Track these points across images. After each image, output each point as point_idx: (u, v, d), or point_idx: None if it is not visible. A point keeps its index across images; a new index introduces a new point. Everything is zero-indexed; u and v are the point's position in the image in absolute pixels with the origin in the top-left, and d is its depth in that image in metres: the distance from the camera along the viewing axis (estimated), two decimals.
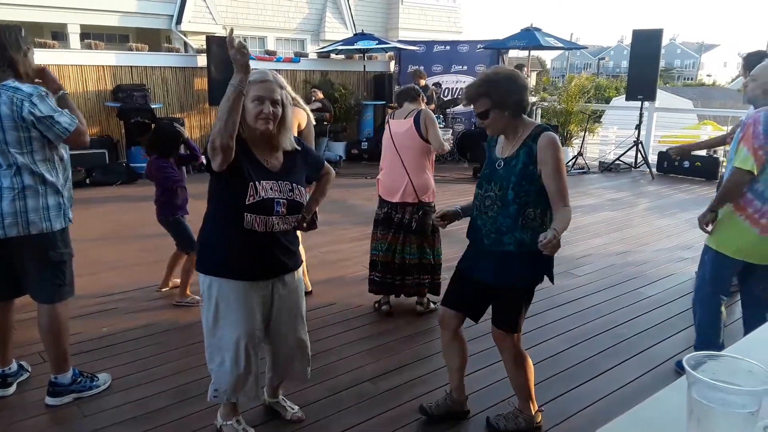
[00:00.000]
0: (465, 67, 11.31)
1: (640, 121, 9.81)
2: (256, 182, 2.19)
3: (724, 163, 2.85)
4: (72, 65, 8.81)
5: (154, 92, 9.51)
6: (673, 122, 11.57)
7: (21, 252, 2.66)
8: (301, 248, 4.05)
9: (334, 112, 10.67)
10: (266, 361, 2.63)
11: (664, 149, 9.95)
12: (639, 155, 9.99)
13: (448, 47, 11.76)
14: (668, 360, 3.30)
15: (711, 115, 18.76)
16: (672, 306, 4.10)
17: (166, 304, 4.06)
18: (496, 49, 11.11)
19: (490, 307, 2.54)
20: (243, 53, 2.04)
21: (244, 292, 2.28)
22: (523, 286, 2.43)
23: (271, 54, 11.47)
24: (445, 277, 3.57)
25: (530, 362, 2.58)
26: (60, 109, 2.57)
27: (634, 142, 9.92)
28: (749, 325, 2.94)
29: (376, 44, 10.92)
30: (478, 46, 11.32)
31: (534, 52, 11.16)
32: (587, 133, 10.74)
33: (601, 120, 14.25)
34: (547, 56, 62.30)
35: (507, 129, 2.37)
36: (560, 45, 10.87)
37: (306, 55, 12.12)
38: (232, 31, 2.11)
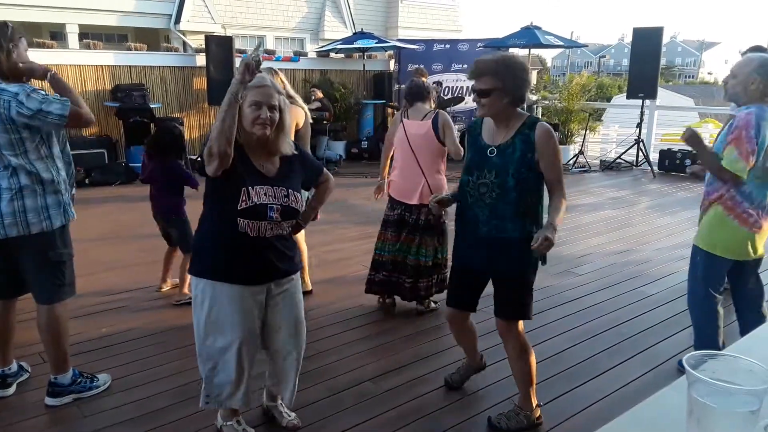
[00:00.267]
0: (465, 66, 11.27)
1: (641, 120, 9.80)
2: (249, 187, 2.17)
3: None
4: (70, 65, 8.80)
5: (153, 92, 9.50)
6: (674, 120, 11.56)
7: (21, 252, 2.65)
8: (303, 246, 4.08)
9: (333, 111, 10.65)
10: (267, 366, 2.60)
11: (665, 147, 9.94)
12: (640, 153, 9.98)
13: (447, 46, 11.74)
14: (670, 359, 3.30)
15: (712, 113, 18.72)
16: (673, 304, 4.09)
17: (166, 303, 4.06)
18: (496, 47, 11.08)
19: (495, 300, 2.52)
20: (248, 71, 2.04)
21: (238, 296, 2.26)
22: (529, 270, 2.44)
23: (270, 53, 11.45)
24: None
25: (533, 354, 2.60)
26: (49, 97, 2.49)
27: (635, 140, 9.90)
28: (746, 330, 2.95)
29: (376, 43, 10.90)
30: (478, 45, 11.30)
31: (534, 51, 11.16)
32: (588, 131, 10.72)
33: (602, 118, 14.23)
34: (548, 55, 62.36)
35: (500, 115, 2.36)
36: (560, 43, 10.86)
37: (305, 54, 12.11)
38: (259, 45, 2.13)
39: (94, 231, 5.86)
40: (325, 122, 9.94)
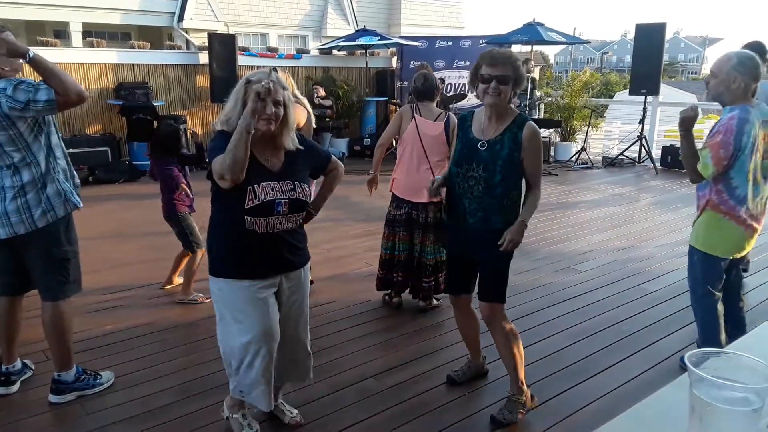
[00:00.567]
0: (467, 63, 11.25)
1: (644, 116, 9.77)
2: (255, 185, 2.17)
3: None
4: (74, 63, 8.81)
5: (156, 90, 9.51)
6: (676, 117, 11.50)
7: (26, 249, 2.67)
8: None
9: (336, 108, 10.66)
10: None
11: (667, 144, 9.90)
12: (642, 150, 9.95)
13: (450, 43, 11.72)
14: (672, 356, 3.29)
15: (715, 109, 18.65)
16: (675, 301, 4.08)
17: (170, 301, 4.07)
18: (499, 44, 11.05)
19: (479, 285, 2.67)
20: (259, 100, 2.04)
21: (253, 292, 2.27)
22: (508, 258, 2.61)
23: (273, 51, 11.45)
24: None
25: (520, 340, 2.71)
26: (34, 84, 2.45)
27: (638, 136, 9.87)
28: (727, 317, 3.03)
29: (378, 40, 10.89)
30: (481, 42, 11.27)
31: (537, 47, 11.11)
32: (591, 127, 10.69)
33: (605, 115, 14.17)
34: (550, 51, 62.18)
35: (503, 106, 2.48)
36: (563, 40, 10.82)
37: (308, 52, 12.10)
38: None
39: (97, 229, 5.87)
40: (327, 120, 9.94)
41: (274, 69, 3.75)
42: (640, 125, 9.80)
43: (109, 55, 9.22)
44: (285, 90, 2.25)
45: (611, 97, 20.88)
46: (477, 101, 2.54)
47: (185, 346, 3.39)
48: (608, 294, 4.25)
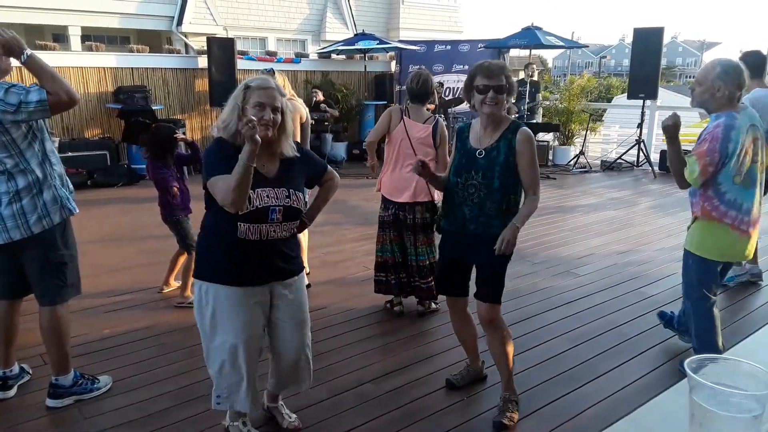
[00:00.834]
0: (466, 67, 11.28)
1: (642, 120, 9.80)
2: (250, 191, 2.15)
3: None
4: (73, 67, 8.81)
5: (155, 94, 9.51)
6: None
7: (23, 253, 2.66)
8: (303, 243, 4.07)
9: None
10: (269, 366, 2.60)
11: (666, 148, 9.91)
12: (641, 154, 9.97)
13: (449, 47, 11.75)
14: (670, 360, 3.29)
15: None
16: (674, 306, 4.07)
17: (168, 305, 4.06)
18: (497, 48, 11.09)
19: (477, 286, 2.69)
20: (250, 127, 2.01)
21: (240, 298, 2.26)
22: (507, 258, 2.64)
23: (271, 55, 11.47)
24: None
25: (512, 342, 2.77)
26: (25, 88, 2.44)
27: (636, 140, 9.89)
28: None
29: (377, 44, 10.90)
30: (479, 46, 11.30)
31: (535, 51, 11.14)
32: (589, 131, 10.72)
33: (603, 119, 14.23)
34: (549, 55, 62.31)
35: (497, 115, 2.55)
36: (561, 44, 10.86)
37: (307, 56, 12.11)
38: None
39: (96, 232, 5.86)
40: (326, 123, 9.95)
41: (271, 70, 3.78)
42: (639, 129, 9.82)
43: (108, 59, 9.22)
44: (283, 96, 2.26)
45: (609, 100, 20.92)
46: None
47: (183, 350, 3.38)
48: (607, 298, 4.25)
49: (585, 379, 3.08)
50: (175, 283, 4.29)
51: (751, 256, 2.99)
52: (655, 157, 10.00)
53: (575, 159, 10.35)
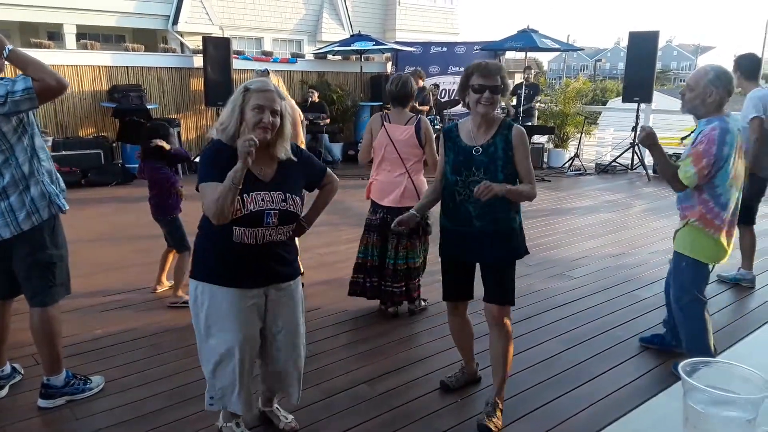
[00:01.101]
0: (462, 69, 11.26)
1: (637, 123, 9.83)
2: (244, 195, 2.15)
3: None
4: (68, 65, 8.78)
5: (150, 93, 9.48)
6: (669, 124, 11.60)
7: (11, 253, 2.63)
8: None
9: (330, 113, 10.67)
10: (260, 370, 2.58)
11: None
12: (635, 157, 10.02)
13: (444, 48, 11.77)
14: (664, 363, 3.30)
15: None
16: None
17: (161, 305, 4.04)
18: (493, 50, 11.12)
19: (487, 288, 2.67)
20: (249, 144, 2.01)
21: (236, 299, 2.25)
22: (517, 258, 2.66)
23: (267, 55, 11.46)
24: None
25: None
26: (11, 79, 2.41)
27: (631, 143, 9.93)
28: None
29: (373, 45, 10.91)
30: (475, 48, 11.33)
31: (531, 54, 11.16)
32: (584, 134, 10.75)
33: (598, 122, 14.26)
34: (544, 58, 62.50)
35: (491, 115, 2.58)
36: (557, 47, 10.89)
37: (303, 56, 12.10)
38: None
39: (89, 232, 5.84)
40: (321, 124, 9.95)
41: (265, 70, 3.78)
42: (633, 132, 9.86)
43: (103, 58, 9.19)
44: (283, 99, 2.25)
45: (604, 104, 21.00)
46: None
47: (176, 351, 3.37)
48: (601, 300, 4.26)
49: (578, 382, 3.09)
50: (167, 283, 4.28)
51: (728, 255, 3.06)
52: (649, 160, 10.01)
53: (570, 162, 10.38)
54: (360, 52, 11.28)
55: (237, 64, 9.92)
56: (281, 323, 2.39)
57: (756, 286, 4.52)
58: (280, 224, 2.24)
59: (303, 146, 3.35)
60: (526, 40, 10.24)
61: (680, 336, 3.15)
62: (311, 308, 3.97)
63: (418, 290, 3.90)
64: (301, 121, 4.23)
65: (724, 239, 2.92)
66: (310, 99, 9.93)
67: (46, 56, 8.55)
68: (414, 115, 3.77)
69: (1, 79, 2.43)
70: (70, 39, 10.89)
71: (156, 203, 4.03)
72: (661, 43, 10.89)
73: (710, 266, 3.01)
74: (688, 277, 3.01)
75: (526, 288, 4.47)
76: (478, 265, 2.73)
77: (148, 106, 8.94)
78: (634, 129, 9.82)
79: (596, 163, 10.68)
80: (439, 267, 2.85)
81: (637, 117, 9.84)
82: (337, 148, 10.93)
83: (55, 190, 2.67)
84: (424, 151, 3.73)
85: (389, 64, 12.28)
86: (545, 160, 10.71)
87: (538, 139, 10.64)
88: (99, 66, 9.06)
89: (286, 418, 2.64)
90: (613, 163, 10.19)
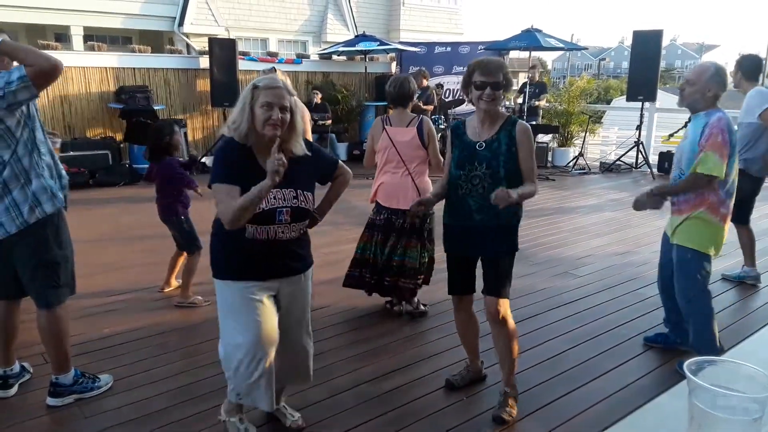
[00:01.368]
0: (466, 69, 11.31)
1: (641, 122, 9.81)
2: None
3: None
4: (75, 67, 8.83)
5: (157, 94, 9.53)
6: (673, 122, 11.56)
7: (15, 254, 2.63)
8: None
9: (335, 113, 10.69)
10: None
11: (664, 149, 9.93)
12: (640, 156, 9.98)
13: (449, 48, 11.76)
14: (668, 361, 3.30)
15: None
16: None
17: (168, 305, 4.07)
18: (497, 50, 11.10)
19: (486, 280, 2.70)
20: (279, 164, 2.02)
21: (255, 293, 2.28)
22: (514, 252, 2.70)
23: (273, 55, 11.48)
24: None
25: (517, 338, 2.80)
26: (6, 71, 2.42)
27: (635, 142, 9.91)
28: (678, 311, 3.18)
29: (378, 45, 10.92)
30: (480, 47, 11.32)
31: (535, 53, 11.15)
32: (588, 133, 10.73)
33: (602, 121, 14.22)
34: (548, 57, 62.33)
35: (495, 110, 2.61)
36: (561, 46, 10.86)
37: (308, 57, 12.12)
38: (276, 150, 2.08)
39: (96, 232, 5.87)
40: (326, 124, 9.97)
41: (272, 68, 3.79)
42: (638, 131, 9.83)
43: (110, 59, 9.24)
44: (292, 96, 2.25)
45: (608, 102, 20.93)
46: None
47: (184, 350, 3.39)
48: (606, 299, 4.26)
49: (584, 380, 3.09)
50: (176, 283, 4.30)
51: None
52: (653, 158, 10.01)
53: (574, 160, 10.36)
54: (365, 53, 11.29)
55: (243, 64, 9.95)
56: (294, 313, 2.44)
57: (762, 283, 4.51)
58: (292, 221, 2.26)
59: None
60: (530, 39, 10.23)
61: (687, 330, 3.15)
62: (316, 307, 3.98)
63: (411, 293, 3.83)
64: (310, 120, 4.24)
65: (726, 227, 2.99)
66: (314, 100, 9.94)
67: None
68: (416, 116, 3.76)
69: None
70: (77, 41, 10.94)
71: (166, 204, 4.02)
72: (665, 42, 10.84)
73: (712, 257, 3.05)
74: (694, 269, 3.03)
75: (531, 286, 4.48)
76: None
77: (155, 107, 8.98)
78: (639, 128, 9.80)
79: (601, 162, 10.65)
80: (444, 265, 2.88)
81: (642, 116, 9.81)
82: (342, 148, 10.94)
83: (54, 185, 2.65)
84: (428, 152, 3.72)
85: (394, 64, 12.29)
86: (549, 159, 10.69)
87: (542, 138, 10.63)
88: (106, 67, 9.11)
89: (293, 416, 2.66)
90: (618, 162, 10.16)
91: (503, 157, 2.56)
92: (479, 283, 2.78)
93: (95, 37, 10.90)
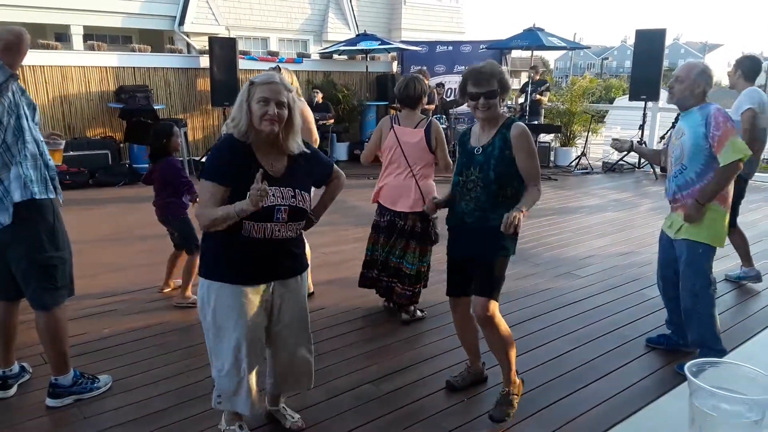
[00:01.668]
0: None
1: (644, 121, 9.79)
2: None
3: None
4: (75, 66, 8.83)
5: (157, 93, 9.53)
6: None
7: (6, 253, 2.61)
8: (307, 249, 4.05)
9: (336, 112, 10.68)
10: (267, 365, 2.59)
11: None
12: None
13: (450, 47, 11.75)
14: (670, 363, 3.28)
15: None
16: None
17: (168, 305, 4.06)
18: (499, 49, 11.09)
19: (473, 281, 2.70)
20: (261, 195, 2.02)
21: (242, 297, 2.25)
22: (505, 255, 2.67)
23: (273, 55, 11.48)
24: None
25: (512, 337, 2.77)
26: None
27: (638, 142, 9.88)
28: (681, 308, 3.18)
29: (379, 45, 10.90)
30: (481, 47, 11.31)
31: (537, 52, 11.12)
32: (590, 133, 10.70)
33: (605, 120, 14.21)
34: (551, 56, 62.35)
35: (493, 116, 2.60)
36: (563, 45, 10.84)
37: (309, 56, 12.12)
38: (260, 179, 2.07)
39: (96, 232, 5.87)
40: (327, 123, 9.97)
41: (277, 67, 3.78)
42: (640, 131, 9.81)
43: (110, 59, 9.24)
44: (289, 92, 2.24)
45: (611, 101, 20.90)
46: None
47: (183, 350, 3.38)
48: (608, 299, 4.24)
49: (586, 381, 3.07)
50: (174, 283, 4.29)
51: None
52: None
53: (577, 160, 10.34)
54: (366, 52, 11.28)
55: (243, 64, 9.94)
56: (288, 317, 2.40)
57: (763, 283, 4.50)
58: (289, 220, 2.24)
59: (316, 146, 3.32)
60: (532, 38, 10.21)
61: (689, 326, 3.15)
62: (317, 308, 3.98)
63: (409, 299, 3.77)
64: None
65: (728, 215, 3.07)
66: (315, 99, 9.94)
67: (53, 57, 8.64)
68: (425, 117, 3.72)
69: None
70: (77, 40, 10.95)
71: (165, 204, 4.01)
72: (668, 41, 10.84)
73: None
74: (705, 263, 3.07)
75: (533, 287, 4.46)
76: None
77: (155, 107, 8.98)
78: (641, 127, 9.78)
79: (603, 162, 10.63)
80: (444, 266, 2.90)
81: (644, 115, 9.79)
82: (342, 148, 10.94)
83: (33, 176, 2.56)
84: (435, 155, 3.67)
85: (395, 64, 12.28)
86: (552, 158, 10.67)
87: (544, 137, 10.61)
88: (106, 67, 9.11)
89: (293, 418, 2.64)
90: (620, 162, 10.14)
91: (494, 160, 2.56)
92: None
93: (95, 37, 10.92)
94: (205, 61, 9.85)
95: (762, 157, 5.21)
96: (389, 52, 12.14)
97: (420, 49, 11.56)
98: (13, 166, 2.52)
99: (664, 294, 3.42)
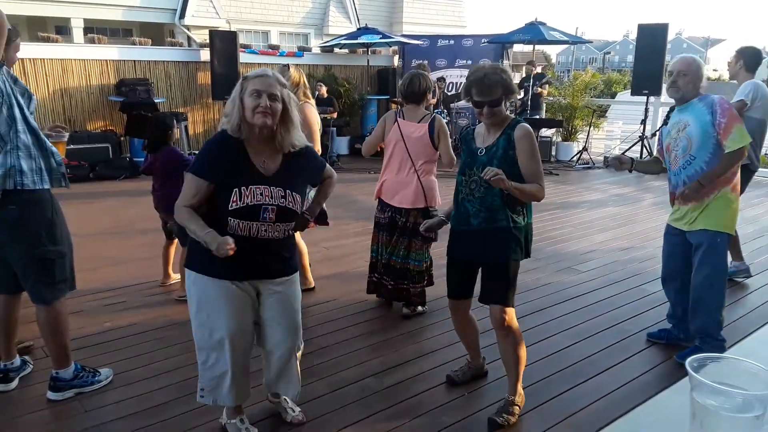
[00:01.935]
0: (469, 62, 11.25)
1: (646, 116, 9.76)
2: (243, 187, 2.13)
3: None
4: (75, 59, 8.81)
5: (158, 86, 9.51)
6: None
7: (7, 250, 2.61)
8: (302, 244, 4.06)
9: (338, 106, 10.66)
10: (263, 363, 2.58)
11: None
12: (644, 150, 9.93)
13: (452, 41, 11.70)
14: (671, 357, 3.28)
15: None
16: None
17: (168, 299, 4.06)
18: (501, 43, 11.05)
19: (484, 289, 2.67)
20: (226, 252, 2.04)
21: (226, 291, 2.23)
22: (516, 260, 2.62)
23: (274, 48, 11.44)
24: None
25: (524, 343, 2.73)
26: None
27: (639, 137, 9.85)
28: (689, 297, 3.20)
29: (380, 38, 10.87)
30: (483, 41, 11.26)
31: (539, 47, 11.08)
32: (592, 127, 10.67)
33: (607, 115, 14.18)
34: (552, 51, 62.07)
35: (499, 119, 2.58)
36: (565, 39, 10.80)
37: (309, 50, 12.08)
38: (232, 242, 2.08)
39: (96, 226, 5.87)
40: (329, 117, 9.95)
41: (286, 66, 3.75)
42: (642, 125, 9.78)
43: (111, 52, 9.21)
44: (283, 86, 2.22)
45: (612, 96, 20.86)
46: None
47: (184, 344, 3.38)
48: (610, 294, 4.24)
49: (587, 375, 3.08)
50: (175, 276, 4.29)
51: None
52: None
53: (578, 155, 10.32)
54: (367, 46, 11.25)
55: (244, 57, 9.92)
56: (275, 318, 2.37)
57: (762, 278, 4.50)
58: (277, 221, 2.21)
59: (319, 152, 3.28)
60: (534, 32, 10.16)
61: (696, 315, 3.16)
62: (318, 302, 3.98)
63: (419, 296, 3.78)
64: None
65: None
66: (318, 93, 9.91)
67: (54, 50, 8.62)
68: (429, 113, 3.70)
69: None
70: (77, 33, 10.92)
71: (170, 194, 3.98)
72: (671, 36, 10.78)
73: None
74: (723, 251, 3.11)
75: (535, 281, 4.46)
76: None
77: (156, 100, 8.97)
78: (643, 122, 9.74)
79: (605, 157, 10.58)
80: (444, 261, 2.86)
81: (646, 110, 9.76)
82: (343, 142, 10.92)
83: (22, 166, 2.51)
84: (438, 150, 3.65)
85: (396, 58, 12.23)
86: (553, 153, 10.65)
87: (546, 132, 10.58)
88: (107, 60, 9.09)
89: (294, 411, 2.65)
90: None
91: (497, 160, 2.54)
92: (478, 286, 2.74)
93: (95, 30, 10.88)
94: (205, 55, 9.82)
95: (763, 152, 5.18)
96: (390, 46, 12.11)
97: (421, 43, 11.52)
98: (1, 155, 2.47)
99: (668, 286, 3.41)
